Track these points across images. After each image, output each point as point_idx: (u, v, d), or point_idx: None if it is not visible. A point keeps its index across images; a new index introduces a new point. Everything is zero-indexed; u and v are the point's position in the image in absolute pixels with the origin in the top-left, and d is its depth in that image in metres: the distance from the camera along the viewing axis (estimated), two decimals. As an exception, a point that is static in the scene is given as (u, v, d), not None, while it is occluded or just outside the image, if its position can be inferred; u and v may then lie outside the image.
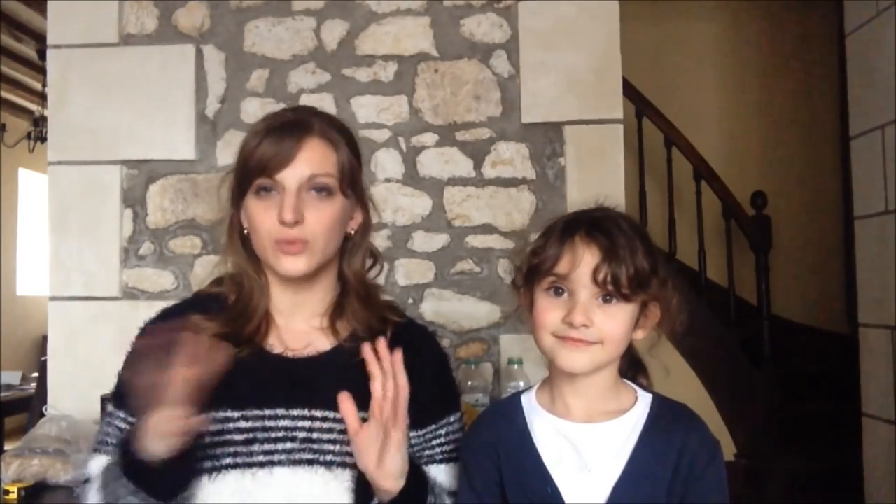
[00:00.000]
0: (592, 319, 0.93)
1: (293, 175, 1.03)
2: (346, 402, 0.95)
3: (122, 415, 1.08)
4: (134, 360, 1.09)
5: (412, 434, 1.07)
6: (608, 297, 0.94)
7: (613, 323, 0.95)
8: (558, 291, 0.96)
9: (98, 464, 1.07)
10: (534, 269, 0.99)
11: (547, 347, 0.97)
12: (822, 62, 4.23)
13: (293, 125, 1.06)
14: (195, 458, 1.00)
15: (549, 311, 0.96)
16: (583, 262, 0.94)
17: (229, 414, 1.03)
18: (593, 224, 0.97)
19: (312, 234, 1.04)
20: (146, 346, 1.08)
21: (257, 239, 1.07)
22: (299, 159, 1.04)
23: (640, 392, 1.02)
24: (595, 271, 0.93)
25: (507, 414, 1.04)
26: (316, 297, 1.13)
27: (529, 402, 1.04)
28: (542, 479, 0.97)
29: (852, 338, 2.68)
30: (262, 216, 1.05)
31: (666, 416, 0.99)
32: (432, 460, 1.10)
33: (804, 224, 4.18)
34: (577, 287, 0.94)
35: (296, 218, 1.02)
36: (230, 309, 1.10)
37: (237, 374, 1.04)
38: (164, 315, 1.14)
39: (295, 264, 1.05)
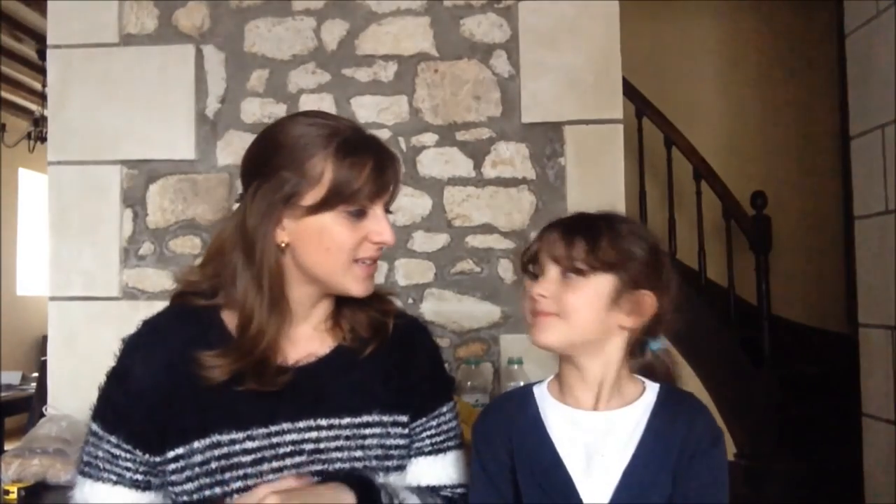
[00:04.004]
0: (551, 292, 0.99)
1: (383, 202, 1.08)
2: None
3: (113, 440, 1.03)
4: (122, 377, 1.06)
5: (403, 429, 1.08)
6: (569, 273, 1.00)
7: (572, 295, 0.99)
8: (534, 277, 1.03)
9: (94, 492, 1.03)
10: (525, 266, 1.06)
11: (528, 329, 1.03)
12: (822, 62, 4.23)
13: (390, 155, 1.09)
14: (204, 486, 0.99)
15: (524, 294, 1.03)
16: (546, 241, 1.02)
17: (235, 436, 1.01)
18: (572, 215, 1.05)
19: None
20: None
21: (327, 257, 1.03)
22: (393, 189, 1.09)
23: (649, 383, 1.05)
24: (552, 247, 1.01)
25: (520, 402, 1.07)
26: (322, 308, 1.11)
27: (542, 392, 1.07)
28: (555, 465, 0.99)
29: (852, 338, 2.68)
30: (350, 235, 1.04)
31: (672, 403, 1.02)
32: (420, 452, 1.10)
33: (804, 224, 4.18)
34: (545, 268, 1.02)
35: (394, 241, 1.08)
36: (239, 343, 1.03)
37: (240, 394, 1.01)
38: (150, 329, 1.09)
39: (369, 285, 1.08)
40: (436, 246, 2.06)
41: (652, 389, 1.04)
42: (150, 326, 1.10)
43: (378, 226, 1.05)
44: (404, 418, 1.09)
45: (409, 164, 2.07)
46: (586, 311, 0.99)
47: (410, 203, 2.06)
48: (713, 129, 4.20)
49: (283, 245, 1.03)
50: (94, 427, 1.05)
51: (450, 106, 2.08)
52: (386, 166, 1.06)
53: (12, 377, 4.00)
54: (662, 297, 1.02)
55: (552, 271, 1.01)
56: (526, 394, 1.08)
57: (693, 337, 3.47)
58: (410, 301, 2.04)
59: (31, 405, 2.98)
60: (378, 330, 1.10)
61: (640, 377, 1.06)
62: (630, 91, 3.32)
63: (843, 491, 2.78)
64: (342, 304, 1.12)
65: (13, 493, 1.62)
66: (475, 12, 2.09)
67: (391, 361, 1.10)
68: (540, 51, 2.07)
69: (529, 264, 1.05)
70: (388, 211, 1.09)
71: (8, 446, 2.27)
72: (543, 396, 1.06)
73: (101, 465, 1.03)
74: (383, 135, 2.07)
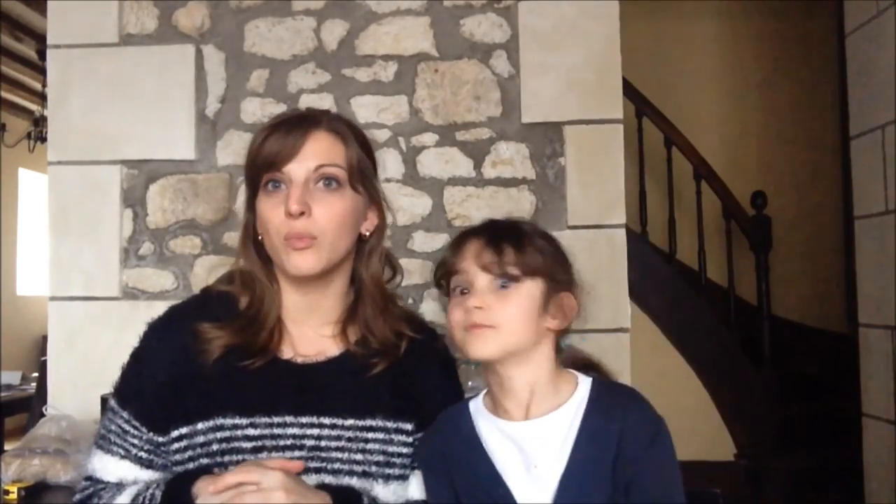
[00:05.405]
0: (487, 303, 0.97)
1: (300, 167, 1.02)
2: None
3: (125, 415, 1.06)
4: (141, 357, 1.09)
5: (407, 437, 1.07)
6: (504, 284, 0.98)
7: (507, 305, 0.97)
8: (463, 292, 1.00)
9: (102, 463, 1.06)
10: (439, 281, 1.04)
11: (458, 343, 1.00)
12: (822, 62, 4.24)
13: (300, 119, 1.06)
14: (204, 467, 1.00)
15: (455, 308, 1.00)
16: (469, 251, 1.00)
17: (238, 421, 1.02)
18: (484, 224, 1.04)
19: (320, 229, 1.02)
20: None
21: (268, 238, 1.05)
22: (306, 151, 1.03)
23: (581, 378, 1.02)
24: (479, 256, 0.98)
25: (454, 420, 1.05)
26: (328, 303, 1.10)
27: (476, 406, 1.05)
28: (493, 481, 0.97)
29: (852, 338, 2.68)
30: (271, 212, 1.03)
31: (604, 399, 0.98)
32: None
33: (804, 224, 4.18)
34: (473, 279, 0.98)
35: (301, 209, 1.00)
36: (241, 316, 1.07)
37: (246, 381, 1.03)
38: (173, 313, 1.12)
39: (304, 261, 1.02)
40: (436, 246, 2.06)
41: (584, 384, 1.00)
42: (172, 311, 1.13)
43: (288, 194, 1.01)
44: (409, 426, 1.07)
45: (409, 164, 2.07)
46: (520, 317, 0.97)
47: (410, 203, 2.06)
48: (713, 129, 4.21)
49: (259, 236, 1.08)
50: (112, 402, 1.09)
51: (450, 106, 2.08)
52: (291, 129, 1.03)
53: (12, 377, 3.99)
54: (578, 296, 1.02)
55: (482, 280, 0.98)
56: (461, 411, 1.05)
57: (693, 337, 3.47)
58: (410, 301, 2.04)
59: (31, 405, 2.98)
60: (388, 349, 1.09)
61: (572, 371, 1.03)
62: (630, 91, 3.32)
63: (843, 491, 2.79)
64: (358, 310, 1.11)
65: (13, 493, 1.62)
66: (475, 12, 2.09)
67: (401, 369, 1.09)
68: (540, 51, 2.07)
69: (445, 278, 1.02)
70: (330, 182, 1.04)
71: (8, 446, 2.26)
72: (478, 410, 1.04)
73: (111, 438, 1.07)
74: (383, 135, 2.07)
